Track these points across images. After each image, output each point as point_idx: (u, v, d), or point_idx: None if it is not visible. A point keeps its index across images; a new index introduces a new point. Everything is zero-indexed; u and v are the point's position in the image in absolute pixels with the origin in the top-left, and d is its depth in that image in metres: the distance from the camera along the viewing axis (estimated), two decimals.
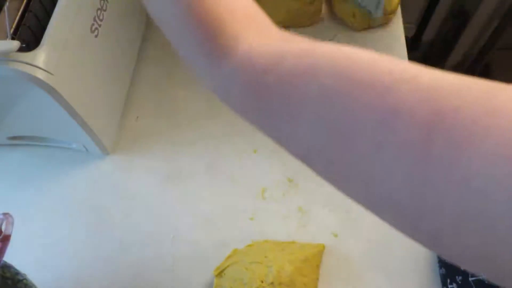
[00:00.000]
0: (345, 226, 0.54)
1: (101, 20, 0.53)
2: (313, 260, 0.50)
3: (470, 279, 0.43)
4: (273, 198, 0.57)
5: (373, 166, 0.19)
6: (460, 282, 0.45)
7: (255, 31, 0.25)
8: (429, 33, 1.16)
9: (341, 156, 0.21)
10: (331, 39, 0.68)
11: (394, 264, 0.52)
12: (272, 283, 0.47)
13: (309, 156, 0.23)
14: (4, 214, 0.38)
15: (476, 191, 0.16)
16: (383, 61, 0.20)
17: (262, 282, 0.47)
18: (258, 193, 0.57)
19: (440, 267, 0.50)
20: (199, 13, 0.24)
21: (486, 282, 0.41)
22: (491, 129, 0.16)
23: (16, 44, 0.40)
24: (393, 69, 0.20)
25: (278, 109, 0.23)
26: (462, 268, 0.19)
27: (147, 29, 0.71)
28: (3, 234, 0.37)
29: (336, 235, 0.54)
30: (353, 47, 0.22)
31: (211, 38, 0.25)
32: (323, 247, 0.52)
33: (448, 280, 0.48)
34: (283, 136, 0.24)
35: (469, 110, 0.17)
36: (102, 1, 0.54)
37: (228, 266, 0.50)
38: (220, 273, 0.51)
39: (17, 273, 0.41)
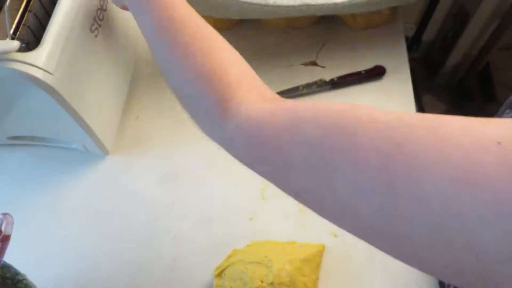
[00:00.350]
0: None
1: (101, 20, 0.53)
2: (313, 260, 0.50)
3: None
4: (273, 198, 0.57)
5: (354, 201, 0.22)
6: None
7: (254, 95, 0.30)
8: (429, 33, 1.16)
9: (327, 195, 0.23)
10: (331, 39, 0.68)
11: (394, 264, 0.52)
12: (272, 283, 0.47)
13: (304, 197, 0.26)
14: (4, 214, 0.38)
15: (435, 211, 0.18)
16: (352, 109, 0.23)
17: (262, 282, 0.47)
18: (258, 193, 0.57)
19: None
20: (211, 81, 0.31)
21: None
22: (441, 156, 0.19)
23: (16, 44, 0.40)
24: (359, 115, 0.22)
25: (273, 157, 0.26)
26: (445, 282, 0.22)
27: None
28: (3, 234, 0.37)
29: (336, 235, 0.54)
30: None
31: (220, 103, 0.30)
32: (323, 247, 0.52)
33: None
34: (280, 179, 0.28)
35: (420, 141, 0.19)
36: (102, 1, 0.53)
37: (228, 266, 0.50)
38: (220, 273, 0.51)
39: (17, 273, 0.41)
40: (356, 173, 0.21)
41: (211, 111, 0.31)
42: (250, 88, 0.31)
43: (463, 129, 0.19)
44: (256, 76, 0.32)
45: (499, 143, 0.17)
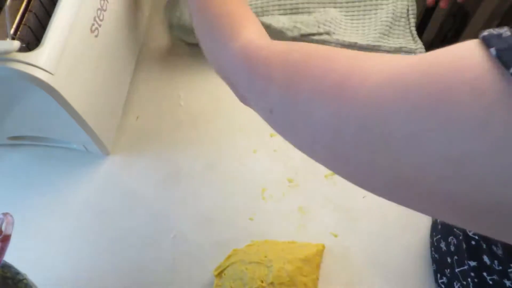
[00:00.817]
0: (345, 226, 0.54)
1: (101, 20, 0.53)
2: (313, 260, 0.50)
3: (456, 270, 0.44)
4: (273, 198, 0.57)
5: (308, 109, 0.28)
6: (449, 275, 0.46)
7: (256, 30, 0.38)
8: (429, 33, 1.16)
9: (292, 109, 0.30)
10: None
11: (394, 264, 0.52)
12: (272, 283, 0.47)
13: (275, 112, 0.32)
14: (4, 214, 0.38)
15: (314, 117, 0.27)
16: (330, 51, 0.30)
17: (262, 282, 0.47)
18: (258, 193, 0.57)
19: (432, 263, 0.51)
20: (218, 16, 0.39)
21: (471, 273, 0.42)
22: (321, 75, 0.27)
23: (16, 44, 0.40)
24: (326, 54, 0.29)
25: (262, 72, 0.33)
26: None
27: (147, 29, 0.71)
28: (3, 234, 0.37)
29: (336, 235, 0.54)
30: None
31: (232, 31, 0.38)
32: (323, 247, 0.52)
33: (439, 275, 0.49)
34: (261, 93, 0.33)
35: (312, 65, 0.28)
36: (102, 1, 0.53)
37: (228, 266, 0.50)
38: (220, 273, 0.51)
39: (17, 273, 0.41)
40: (314, 86, 0.28)
41: (222, 39, 0.38)
42: (253, 24, 0.39)
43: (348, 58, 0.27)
44: (260, 24, 0.40)
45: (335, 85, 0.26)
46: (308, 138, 0.29)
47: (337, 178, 0.58)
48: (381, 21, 0.65)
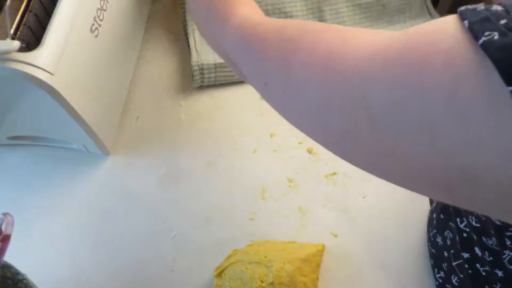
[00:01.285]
0: (345, 226, 0.54)
1: (101, 20, 0.53)
2: (313, 260, 0.50)
3: (453, 263, 0.45)
4: (273, 198, 0.57)
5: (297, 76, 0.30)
6: (446, 269, 0.47)
7: (251, 8, 0.39)
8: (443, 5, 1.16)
9: (284, 78, 0.31)
10: None
11: (394, 264, 0.52)
12: (272, 283, 0.47)
13: (270, 85, 0.33)
14: (4, 214, 0.38)
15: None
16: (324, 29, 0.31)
17: (262, 282, 0.47)
18: (258, 193, 0.57)
19: (430, 259, 0.51)
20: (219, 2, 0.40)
21: (466, 267, 0.43)
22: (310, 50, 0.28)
23: (16, 44, 0.40)
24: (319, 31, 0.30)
25: (258, 47, 0.34)
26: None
27: (147, 29, 0.71)
28: (3, 234, 0.37)
29: (336, 235, 0.54)
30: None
31: (224, 11, 0.39)
32: (323, 247, 0.52)
33: (436, 270, 0.49)
34: (257, 68, 0.35)
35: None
36: (102, 1, 0.54)
37: (228, 266, 0.50)
38: (220, 273, 0.51)
39: (17, 273, 0.41)
40: (305, 58, 0.29)
41: (219, 18, 0.39)
42: (252, 9, 0.39)
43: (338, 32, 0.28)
44: (257, 7, 0.41)
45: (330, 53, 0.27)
46: (297, 109, 0.30)
47: (337, 178, 0.58)
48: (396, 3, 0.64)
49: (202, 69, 0.63)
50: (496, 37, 0.18)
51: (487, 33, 0.19)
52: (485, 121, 0.19)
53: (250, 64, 0.36)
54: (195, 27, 0.66)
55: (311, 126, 0.30)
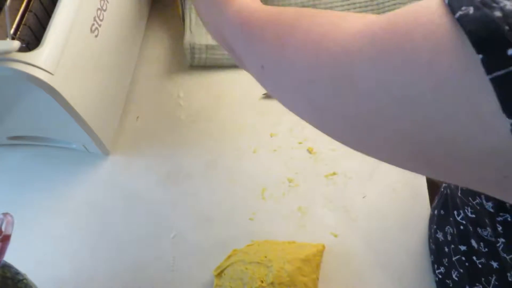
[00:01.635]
0: (345, 226, 0.54)
1: (101, 20, 0.53)
2: (313, 260, 0.50)
3: (453, 258, 0.45)
4: (273, 198, 0.57)
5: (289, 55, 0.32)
6: (446, 264, 0.47)
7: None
8: None
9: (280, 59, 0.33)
10: None
11: (394, 264, 0.52)
12: (272, 283, 0.47)
13: (266, 68, 0.35)
14: (4, 214, 0.38)
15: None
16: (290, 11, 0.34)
17: (262, 282, 0.47)
18: (258, 193, 0.57)
19: (430, 255, 0.51)
20: None
21: (463, 260, 0.43)
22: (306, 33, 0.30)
23: (16, 44, 0.40)
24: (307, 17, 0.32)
25: (256, 33, 0.35)
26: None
27: (147, 29, 0.71)
28: (3, 234, 0.37)
29: (336, 235, 0.54)
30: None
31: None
32: (323, 247, 0.52)
33: (436, 266, 0.49)
34: (254, 53, 0.36)
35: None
36: (102, 1, 0.53)
37: (228, 266, 0.50)
38: (220, 273, 0.51)
39: (17, 273, 0.41)
40: (299, 40, 0.30)
41: (219, 6, 0.41)
42: None
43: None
44: None
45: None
46: (290, 90, 0.32)
47: (337, 178, 0.58)
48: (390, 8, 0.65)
49: (194, 48, 0.65)
50: (471, 11, 0.20)
51: (463, 8, 0.20)
52: (458, 89, 0.20)
53: (247, 48, 0.37)
54: (192, 6, 0.67)
55: (303, 107, 0.31)
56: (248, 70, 0.41)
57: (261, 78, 0.37)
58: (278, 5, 0.66)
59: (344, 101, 0.26)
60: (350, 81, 0.25)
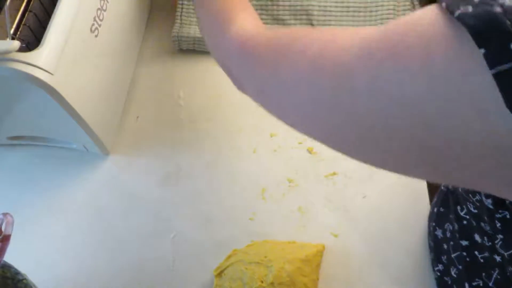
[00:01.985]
0: (345, 226, 0.54)
1: (101, 20, 0.53)
2: (313, 260, 0.50)
3: (452, 255, 0.45)
4: (273, 198, 0.57)
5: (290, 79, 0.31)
6: (445, 261, 0.47)
7: (250, 18, 0.41)
8: None
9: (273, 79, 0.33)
10: None
11: (394, 264, 0.52)
12: (272, 283, 0.47)
13: (265, 92, 0.35)
14: (4, 214, 0.38)
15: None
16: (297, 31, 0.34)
17: (262, 282, 0.47)
18: (258, 193, 0.57)
19: (430, 252, 0.51)
20: (216, 11, 0.42)
21: (464, 255, 0.43)
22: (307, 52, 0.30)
23: (16, 44, 0.40)
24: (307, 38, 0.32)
25: (256, 57, 0.35)
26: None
27: (147, 29, 0.71)
28: (3, 234, 0.37)
29: (336, 235, 0.54)
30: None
31: (222, 23, 0.41)
32: (323, 247, 0.52)
33: (435, 263, 0.49)
34: (254, 77, 0.36)
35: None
36: (102, 1, 0.54)
37: (228, 266, 0.50)
38: (220, 273, 0.51)
39: (17, 273, 0.41)
40: (296, 62, 0.31)
41: (219, 29, 0.41)
42: (251, 19, 0.41)
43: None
44: (251, 7, 0.43)
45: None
46: (291, 110, 0.32)
47: (337, 178, 0.58)
48: (383, 16, 0.65)
49: (181, 41, 0.66)
50: (470, 9, 0.20)
51: (462, 7, 0.20)
52: (458, 86, 0.20)
53: (246, 72, 0.38)
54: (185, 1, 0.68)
55: (305, 123, 0.32)
56: (245, 92, 0.41)
57: (261, 101, 0.37)
58: (277, 5, 0.67)
59: (347, 114, 0.26)
60: (350, 92, 0.25)
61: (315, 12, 0.66)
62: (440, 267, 0.48)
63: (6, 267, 0.41)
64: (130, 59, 0.66)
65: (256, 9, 0.67)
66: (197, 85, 0.66)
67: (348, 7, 0.66)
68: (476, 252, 0.42)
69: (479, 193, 0.37)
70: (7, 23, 0.43)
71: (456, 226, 0.44)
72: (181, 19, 0.67)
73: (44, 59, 0.43)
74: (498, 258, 0.38)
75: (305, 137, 0.60)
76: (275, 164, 0.59)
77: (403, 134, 0.24)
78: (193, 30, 0.66)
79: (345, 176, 0.58)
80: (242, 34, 0.38)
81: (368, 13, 0.66)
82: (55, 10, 0.47)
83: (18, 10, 0.47)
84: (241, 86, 0.42)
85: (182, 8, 0.68)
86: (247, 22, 0.40)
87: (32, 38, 0.48)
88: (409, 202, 0.55)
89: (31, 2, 0.48)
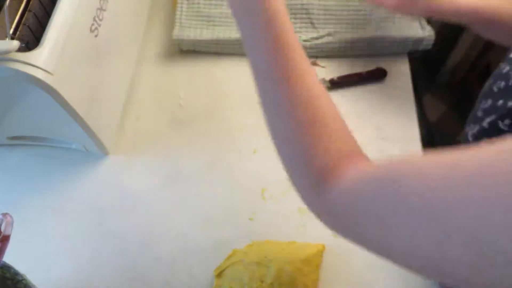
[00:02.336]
0: None
1: (101, 20, 0.53)
2: (313, 260, 0.50)
3: None
4: (273, 198, 0.57)
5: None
6: None
7: (353, 163, 0.33)
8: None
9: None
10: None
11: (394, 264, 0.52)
12: (272, 283, 0.47)
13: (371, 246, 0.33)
14: (4, 214, 0.38)
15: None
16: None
17: (262, 282, 0.47)
18: (258, 193, 0.57)
19: None
20: (312, 156, 0.36)
21: None
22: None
23: (16, 44, 0.40)
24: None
25: (371, 220, 0.30)
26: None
27: (147, 29, 0.71)
28: (2, 234, 0.37)
29: (336, 235, 0.54)
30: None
31: (317, 176, 0.35)
32: (323, 247, 0.52)
33: None
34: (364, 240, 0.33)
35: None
36: (102, 1, 0.53)
37: (228, 266, 0.50)
38: (220, 273, 0.51)
39: (16, 273, 0.41)
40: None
41: (310, 184, 0.36)
42: (349, 156, 0.34)
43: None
44: (351, 134, 0.36)
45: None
46: (399, 252, 0.30)
47: None
48: (383, 16, 0.65)
49: (181, 43, 0.67)
50: None
51: None
52: None
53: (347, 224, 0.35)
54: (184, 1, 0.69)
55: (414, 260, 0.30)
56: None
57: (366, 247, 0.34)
58: None
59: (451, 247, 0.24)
60: (447, 227, 0.24)
61: (315, 11, 0.66)
62: None
63: (6, 267, 0.41)
64: (130, 59, 0.66)
65: None
66: (197, 86, 0.66)
67: (348, 6, 0.66)
68: None
69: None
70: (6, 23, 0.43)
71: None
72: (180, 22, 0.67)
73: (44, 59, 0.43)
74: None
75: None
76: (275, 164, 0.59)
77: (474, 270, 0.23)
78: (193, 33, 0.66)
79: None
80: (343, 188, 0.33)
81: (368, 12, 0.66)
82: (54, 9, 0.47)
83: (18, 10, 0.47)
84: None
85: (182, 11, 0.67)
86: (354, 165, 0.34)
87: (31, 38, 0.48)
88: None
89: (31, 2, 0.48)
